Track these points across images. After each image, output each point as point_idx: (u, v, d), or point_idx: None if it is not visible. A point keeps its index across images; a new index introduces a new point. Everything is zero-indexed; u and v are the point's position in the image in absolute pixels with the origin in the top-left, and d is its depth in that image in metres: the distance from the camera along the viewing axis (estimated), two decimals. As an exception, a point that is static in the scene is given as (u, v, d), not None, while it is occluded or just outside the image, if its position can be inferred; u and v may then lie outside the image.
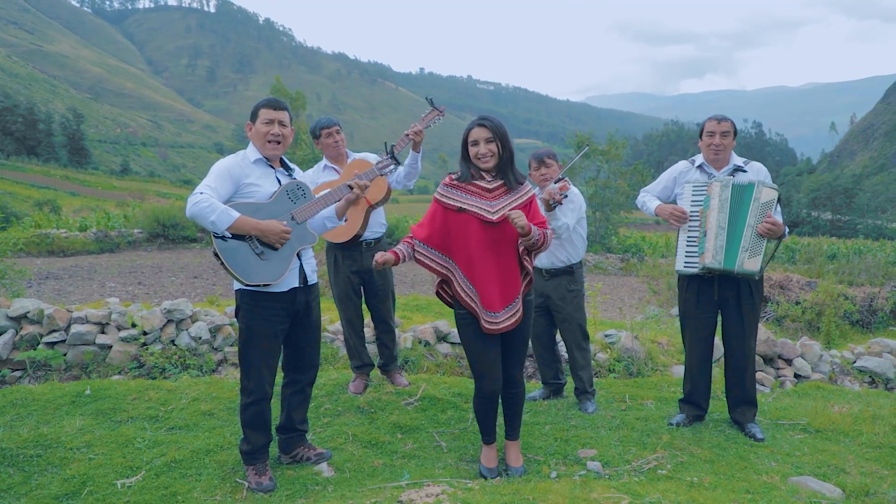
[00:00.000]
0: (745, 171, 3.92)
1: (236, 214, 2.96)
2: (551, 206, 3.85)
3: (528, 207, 3.19)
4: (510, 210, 3.06)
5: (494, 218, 3.09)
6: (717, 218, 3.71)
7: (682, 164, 4.14)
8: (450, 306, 3.33)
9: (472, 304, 3.15)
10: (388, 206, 4.55)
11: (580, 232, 4.32)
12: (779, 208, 3.78)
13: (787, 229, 3.80)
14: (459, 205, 3.13)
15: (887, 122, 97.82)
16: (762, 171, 3.95)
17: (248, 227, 3.00)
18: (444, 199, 3.18)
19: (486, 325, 3.14)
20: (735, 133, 3.91)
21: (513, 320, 3.18)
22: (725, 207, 3.70)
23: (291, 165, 3.41)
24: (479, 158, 3.13)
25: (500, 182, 3.18)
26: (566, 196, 3.97)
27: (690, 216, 3.86)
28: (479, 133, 3.12)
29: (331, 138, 4.29)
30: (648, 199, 4.13)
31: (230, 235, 2.99)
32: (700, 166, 4.01)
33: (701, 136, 3.98)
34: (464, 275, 3.17)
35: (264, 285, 3.09)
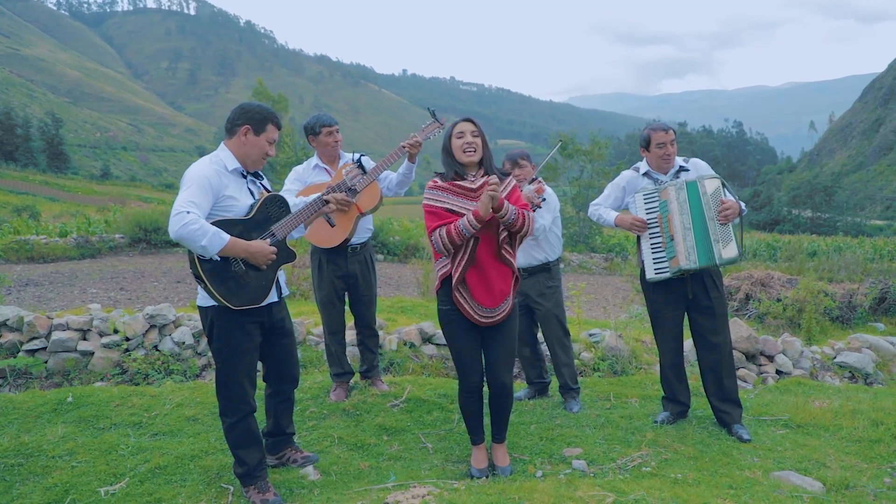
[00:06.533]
0: (687, 170, 4.00)
1: (227, 237, 2.78)
2: (531, 209, 3.88)
3: (510, 196, 3.22)
4: (489, 188, 2.99)
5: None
6: (680, 220, 3.78)
7: (628, 174, 4.18)
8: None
9: (463, 301, 3.18)
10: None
11: (555, 231, 4.39)
12: (728, 191, 3.84)
13: (743, 205, 3.89)
14: (448, 206, 3.15)
15: (865, 120, 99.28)
16: (702, 166, 4.05)
17: (239, 250, 2.84)
18: (433, 203, 3.19)
19: (480, 319, 3.18)
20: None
21: (503, 312, 3.21)
22: (685, 209, 3.78)
23: (259, 172, 3.21)
24: (464, 151, 3.15)
25: (483, 180, 3.17)
26: (544, 199, 4.02)
27: (649, 224, 3.91)
28: (465, 126, 3.19)
29: (331, 137, 4.20)
30: (604, 212, 4.15)
31: (217, 258, 2.85)
32: (646, 173, 4.07)
33: (648, 148, 4.01)
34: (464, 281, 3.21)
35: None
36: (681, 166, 4.01)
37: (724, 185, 3.82)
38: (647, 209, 3.92)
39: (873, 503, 3.05)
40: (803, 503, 2.96)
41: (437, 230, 3.12)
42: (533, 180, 4.17)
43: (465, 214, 3.09)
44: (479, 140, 3.18)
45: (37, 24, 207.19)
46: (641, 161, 4.14)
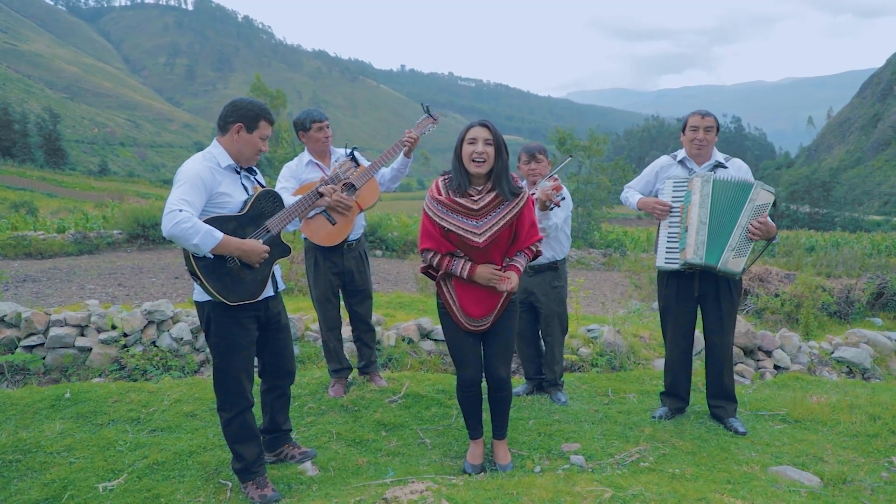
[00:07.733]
0: (725, 168, 3.92)
1: (220, 235, 2.76)
2: (548, 207, 3.84)
3: (518, 221, 3.09)
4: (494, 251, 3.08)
5: (480, 241, 3.00)
6: (698, 213, 3.69)
7: (664, 159, 4.13)
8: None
9: (453, 307, 3.19)
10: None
11: (565, 230, 4.35)
12: (770, 212, 3.75)
13: (778, 236, 3.83)
14: (446, 226, 3.03)
15: (863, 115, 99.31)
16: (743, 168, 3.96)
17: (232, 248, 2.82)
18: (432, 216, 3.08)
19: (467, 326, 3.20)
20: (718, 129, 3.91)
21: (489, 322, 3.21)
22: (706, 203, 3.68)
23: (253, 167, 3.19)
24: (472, 160, 2.96)
25: (489, 197, 3.01)
26: (563, 198, 3.94)
27: (672, 211, 3.85)
28: (479, 132, 2.97)
29: (322, 132, 4.18)
30: (631, 194, 4.15)
31: (211, 256, 2.84)
32: (681, 161, 4.00)
33: (684, 131, 3.97)
34: (451, 284, 3.20)
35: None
36: (719, 162, 3.93)
37: (774, 204, 3.71)
38: (674, 197, 3.84)
39: (870, 498, 3.05)
40: (801, 498, 2.96)
41: (431, 254, 3.12)
42: (548, 178, 4.11)
43: (461, 235, 3.01)
44: (491, 149, 2.95)
45: (34, 20, 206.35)
46: (680, 149, 4.08)
